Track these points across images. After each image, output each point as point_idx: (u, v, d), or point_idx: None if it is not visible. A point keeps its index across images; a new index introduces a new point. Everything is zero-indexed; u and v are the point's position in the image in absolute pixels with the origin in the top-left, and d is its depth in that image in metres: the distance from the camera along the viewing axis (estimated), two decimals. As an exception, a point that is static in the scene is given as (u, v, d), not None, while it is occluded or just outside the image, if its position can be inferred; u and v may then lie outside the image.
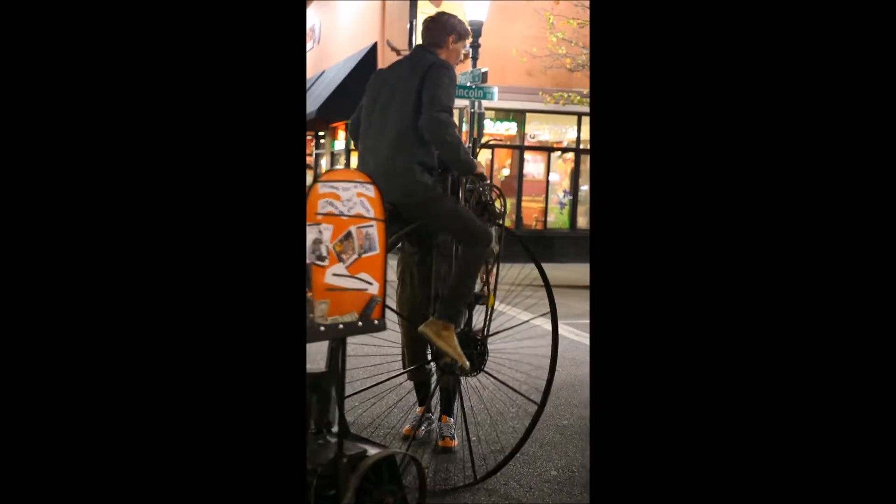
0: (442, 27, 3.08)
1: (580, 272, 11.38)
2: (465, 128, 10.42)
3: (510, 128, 12.97)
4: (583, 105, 11.78)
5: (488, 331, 3.18)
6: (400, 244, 3.28)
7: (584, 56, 11.46)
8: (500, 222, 3.17)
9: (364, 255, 2.49)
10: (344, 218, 2.44)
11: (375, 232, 2.51)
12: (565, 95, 11.71)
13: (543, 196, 13.17)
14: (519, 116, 12.87)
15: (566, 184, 13.46)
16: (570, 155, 13.37)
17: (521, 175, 13.05)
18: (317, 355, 3.02)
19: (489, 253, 3.09)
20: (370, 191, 2.49)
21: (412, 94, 2.82)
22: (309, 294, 2.38)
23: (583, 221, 13.41)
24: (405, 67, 2.96)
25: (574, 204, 13.44)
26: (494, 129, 12.82)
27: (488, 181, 3.06)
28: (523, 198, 13.12)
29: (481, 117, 10.49)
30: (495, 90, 10.19)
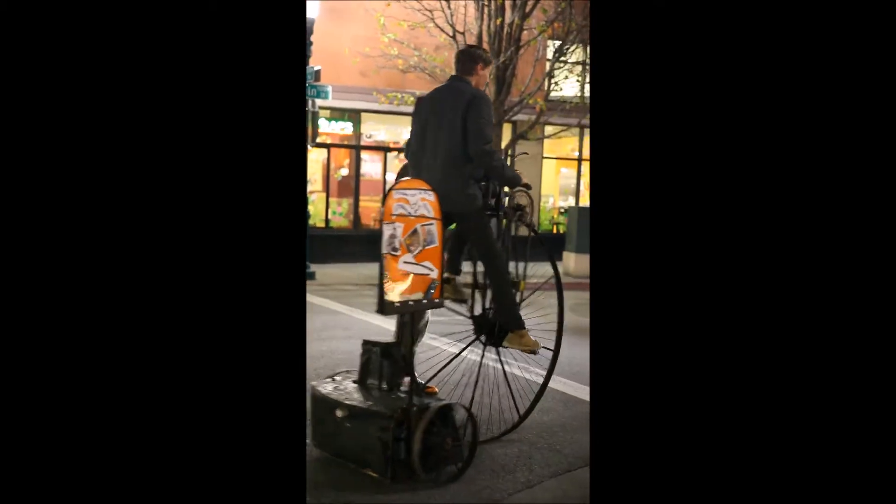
0: (472, 58, 4.03)
1: (418, 270, 12.52)
2: (298, 127, 11.00)
3: (346, 127, 13.79)
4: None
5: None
6: None
7: (415, 57, 12.52)
8: (530, 221, 4.11)
9: (426, 247, 3.39)
10: (412, 218, 3.33)
11: (435, 229, 3.42)
12: (399, 96, 12.73)
13: (381, 196, 14.12)
14: (354, 116, 13.72)
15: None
16: (404, 155, 14.44)
17: (358, 175, 13.93)
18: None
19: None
20: (431, 196, 3.40)
21: (458, 122, 3.73)
22: (386, 279, 3.24)
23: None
24: (447, 97, 3.87)
25: (409, 202, 14.50)
26: (330, 128, 13.59)
27: (530, 188, 4.02)
28: (361, 197, 13.99)
29: (316, 116, 11.21)
30: (329, 89, 10.98)
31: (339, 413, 3.49)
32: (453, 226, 4.02)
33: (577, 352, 5.91)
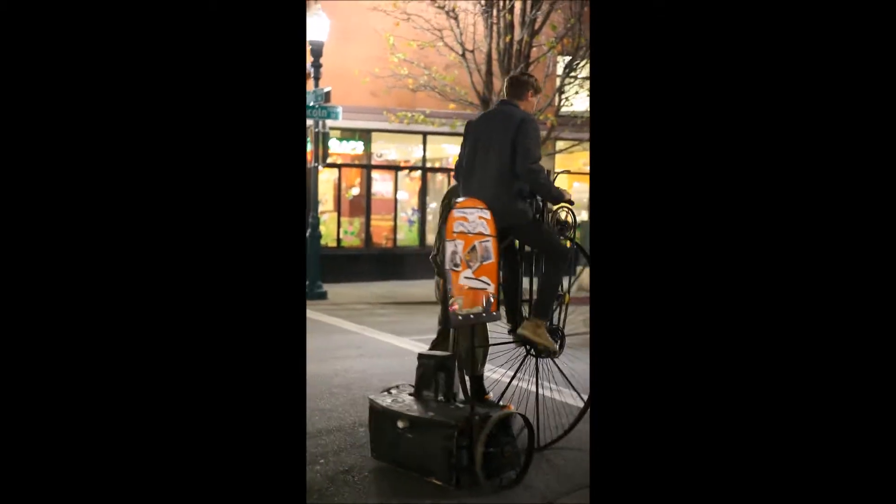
0: (523, 84, 4.27)
1: (429, 288, 12.70)
2: (309, 147, 11.26)
3: (356, 147, 14.04)
4: (427, 124, 13.12)
5: (564, 323, 4.32)
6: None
7: (425, 76, 12.76)
8: (572, 236, 4.32)
9: (484, 263, 3.60)
10: (470, 235, 3.54)
11: (491, 245, 3.63)
12: (409, 115, 12.99)
13: (392, 214, 14.37)
14: (365, 136, 13.98)
15: (414, 202, 14.80)
16: (417, 173, 14.72)
17: (369, 194, 14.16)
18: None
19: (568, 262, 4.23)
20: (487, 214, 3.62)
21: (507, 143, 3.95)
22: (451, 293, 3.45)
23: (431, 238, 14.83)
24: (498, 120, 4.10)
25: (422, 222, 14.79)
26: (340, 148, 13.83)
27: (573, 204, 4.24)
28: (372, 216, 14.23)
29: (326, 137, 11.44)
30: (339, 110, 11.22)
31: (400, 424, 3.68)
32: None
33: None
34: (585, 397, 4.31)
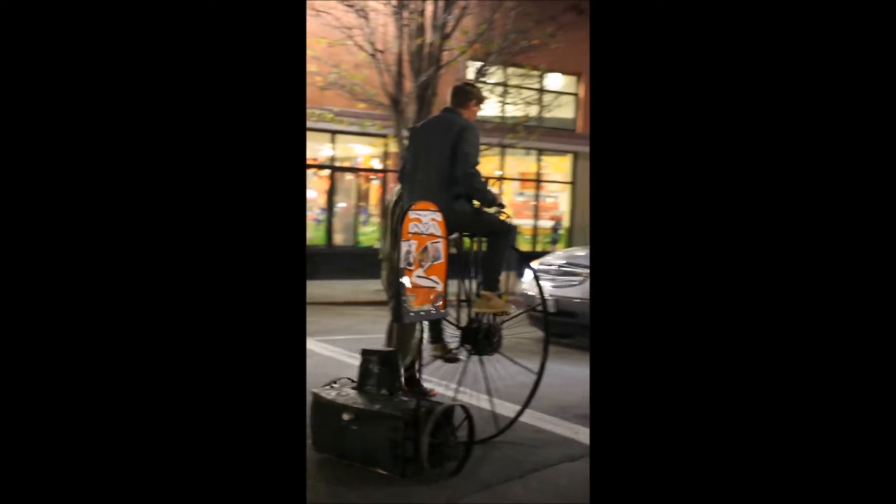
0: (466, 94, 4.50)
1: (335, 288, 12.81)
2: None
3: (262, 142, 13.89)
4: (335, 123, 13.17)
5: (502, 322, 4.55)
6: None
7: (334, 75, 12.79)
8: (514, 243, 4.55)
9: (434, 263, 3.82)
10: (423, 236, 3.76)
11: (441, 246, 3.86)
12: (317, 113, 12.99)
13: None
14: (271, 131, 13.86)
15: (322, 201, 14.78)
16: (326, 172, 14.75)
17: (275, 190, 14.04)
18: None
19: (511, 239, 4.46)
20: (438, 217, 3.85)
21: (448, 149, 4.20)
22: (405, 290, 3.67)
23: (339, 238, 14.90)
24: (440, 127, 4.32)
25: (330, 221, 14.80)
26: (247, 143, 13.65)
27: (504, 207, 4.49)
28: (282, 213, 14.11)
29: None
30: (244, 104, 11.12)
31: (346, 416, 3.85)
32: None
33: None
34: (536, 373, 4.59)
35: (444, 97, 12.12)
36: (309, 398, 3.96)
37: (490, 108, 13.44)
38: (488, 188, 4.38)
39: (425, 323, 4.45)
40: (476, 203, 4.38)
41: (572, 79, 18.04)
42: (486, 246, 4.45)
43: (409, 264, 3.70)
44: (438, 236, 3.84)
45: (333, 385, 4.23)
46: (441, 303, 3.88)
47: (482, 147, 11.84)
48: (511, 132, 12.66)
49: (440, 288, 3.87)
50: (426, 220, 3.78)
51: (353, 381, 4.23)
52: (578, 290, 7.55)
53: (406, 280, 3.67)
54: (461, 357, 4.53)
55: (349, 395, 4.03)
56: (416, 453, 3.72)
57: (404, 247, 3.67)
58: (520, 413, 4.60)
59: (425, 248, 3.77)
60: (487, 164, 16.64)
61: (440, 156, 4.25)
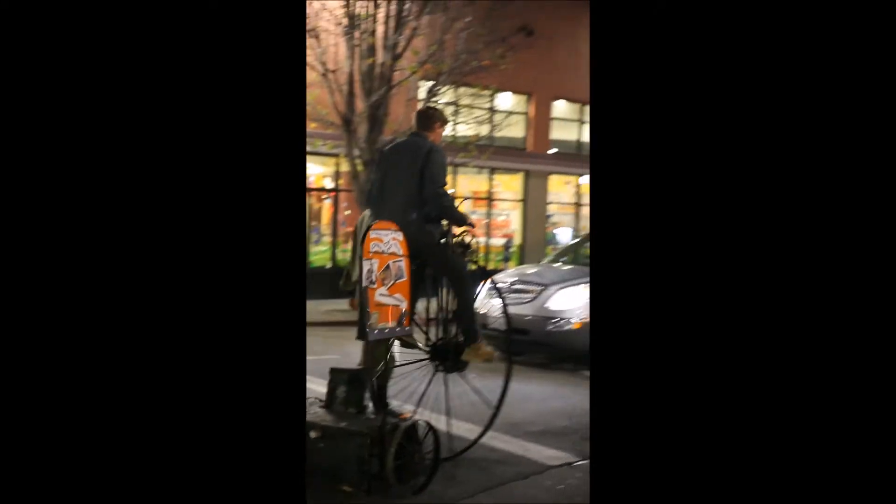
0: (430, 117, 4.61)
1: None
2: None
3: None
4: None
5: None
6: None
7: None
8: (475, 258, 4.67)
9: (397, 281, 3.91)
10: (385, 255, 3.86)
11: (404, 265, 3.95)
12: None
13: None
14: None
15: (272, 219, 14.68)
16: (275, 191, 14.67)
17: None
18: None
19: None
20: (400, 236, 3.95)
21: (416, 171, 4.29)
22: (368, 308, 3.75)
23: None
24: (407, 150, 4.43)
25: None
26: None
27: (473, 226, 4.60)
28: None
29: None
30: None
31: (312, 434, 3.90)
32: None
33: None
34: (491, 412, 4.67)
35: (396, 116, 12.38)
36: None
37: (442, 127, 13.53)
38: (456, 208, 4.50)
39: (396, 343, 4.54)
40: (444, 223, 4.48)
41: (522, 98, 18.37)
42: (453, 292, 4.54)
43: (372, 282, 3.78)
44: (400, 255, 3.94)
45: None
46: (405, 320, 3.97)
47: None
48: (463, 151, 12.80)
49: (404, 306, 3.96)
50: (387, 238, 3.88)
51: (320, 400, 4.28)
52: (529, 308, 7.69)
53: (370, 298, 3.75)
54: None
55: (317, 413, 4.08)
56: (381, 469, 3.78)
57: (366, 266, 3.76)
58: (483, 433, 4.68)
59: (387, 267, 3.86)
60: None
61: (408, 178, 4.36)
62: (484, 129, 15.68)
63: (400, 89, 12.53)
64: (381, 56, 12.05)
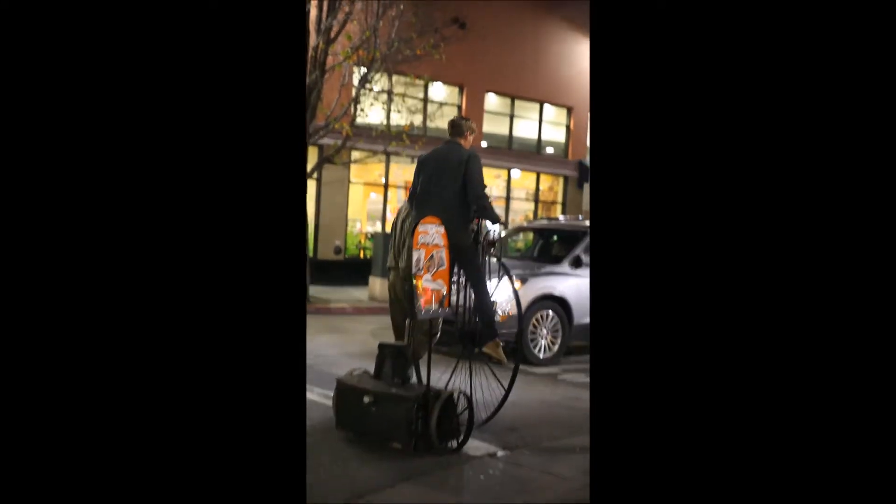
0: (460, 126, 5.38)
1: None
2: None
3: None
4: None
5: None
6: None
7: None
8: (498, 254, 5.44)
9: (439, 269, 4.71)
10: (430, 246, 4.64)
11: (444, 255, 4.74)
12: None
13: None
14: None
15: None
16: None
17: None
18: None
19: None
20: (442, 230, 4.73)
21: (458, 176, 5.06)
22: (417, 292, 4.54)
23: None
24: (448, 155, 5.18)
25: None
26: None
27: (504, 224, 5.39)
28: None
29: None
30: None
31: (366, 399, 4.66)
32: None
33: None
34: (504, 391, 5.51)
35: (329, 102, 12.59)
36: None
37: (375, 115, 13.89)
38: (493, 209, 5.28)
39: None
40: (473, 225, 5.27)
41: (454, 90, 18.72)
42: (474, 295, 5.31)
43: (419, 270, 4.56)
44: (441, 246, 4.72)
45: (353, 374, 5.01)
46: (445, 302, 4.76)
47: (368, 153, 12.61)
48: (396, 140, 13.32)
49: (444, 290, 4.75)
50: (432, 232, 4.66)
51: (369, 372, 5.01)
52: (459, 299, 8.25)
53: (418, 283, 4.53)
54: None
55: (368, 382, 4.84)
56: (426, 430, 4.58)
57: (415, 255, 4.53)
58: (498, 408, 5.50)
59: (432, 257, 4.64)
60: (373, 171, 17.01)
61: (453, 181, 5.13)
62: (417, 119, 16.08)
63: (333, 74, 12.78)
64: (313, 39, 12.14)
